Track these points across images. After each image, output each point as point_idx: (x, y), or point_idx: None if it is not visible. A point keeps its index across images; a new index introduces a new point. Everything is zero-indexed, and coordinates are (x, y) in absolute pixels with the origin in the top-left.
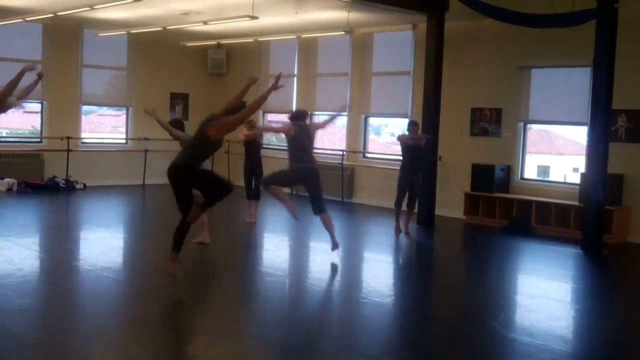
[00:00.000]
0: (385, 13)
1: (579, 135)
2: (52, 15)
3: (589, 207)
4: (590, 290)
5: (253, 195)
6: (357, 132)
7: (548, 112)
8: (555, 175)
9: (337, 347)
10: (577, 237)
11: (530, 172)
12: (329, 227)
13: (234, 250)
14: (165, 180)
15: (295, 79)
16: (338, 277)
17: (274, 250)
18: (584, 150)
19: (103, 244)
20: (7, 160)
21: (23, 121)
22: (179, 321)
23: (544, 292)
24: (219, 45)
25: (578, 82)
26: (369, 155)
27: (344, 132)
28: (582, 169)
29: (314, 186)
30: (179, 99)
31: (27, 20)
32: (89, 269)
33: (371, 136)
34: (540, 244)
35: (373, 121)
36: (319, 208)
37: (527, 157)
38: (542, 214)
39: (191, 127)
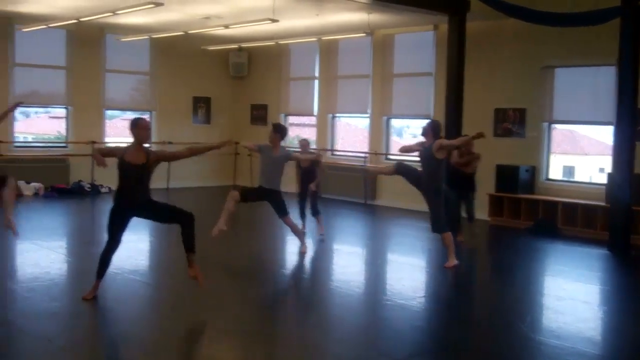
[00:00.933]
0: (406, 14)
1: (604, 134)
2: (75, 21)
3: (615, 207)
4: (618, 292)
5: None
6: (379, 134)
7: (573, 111)
8: (580, 176)
9: (362, 350)
10: (604, 238)
11: (555, 172)
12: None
13: (259, 253)
14: (189, 183)
15: (316, 81)
16: (362, 280)
17: (299, 252)
18: (609, 150)
19: (129, 247)
20: (33, 165)
21: (48, 126)
22: (205, 324)
23: (571, 294)
24: (240, 49)
25: (603, 81)
26: (391, 157)
27: (366, 134)
28: (608, 169)
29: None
30: (201, 103)
31: (51, 27)
32: (116, 272)
33: (393, 138)
34: (567, 245)
35: (395, 123)
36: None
37: (552, 158)
38: (568, 215)
39: (213, 131)
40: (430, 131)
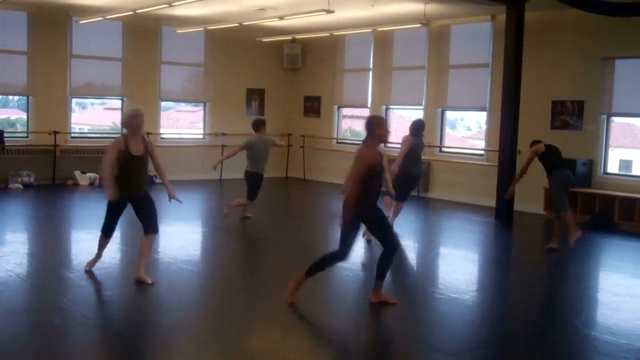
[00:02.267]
0: (463, 4)
1: None
2: (131, 12)
3: None
4: None
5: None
6: (434, 126)
7: (633, 104)
8: (638, 170)
9: (414, 344)
10: None
11: (612, 166)
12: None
13: (311, 244)
14: (241, 175)
15: (370, 72)
16: (414, 273)
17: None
18: None
19: (182, 237)
20: (89, 155)
21: (104, 117)
22: (257, 314)
23: (628, 290)
24: (294, 41)
25: None
26: (445, 149)
27: None
28: None
29: None
30: (255, 95)
31: (107, 19)
32: (169, 262)
33: (447, 130)
34: (624, 240)
35: (449, 115)
36: None
37: (610, 151)
38: (626, 210)
39: (266, 123)
40: (411, 129)
